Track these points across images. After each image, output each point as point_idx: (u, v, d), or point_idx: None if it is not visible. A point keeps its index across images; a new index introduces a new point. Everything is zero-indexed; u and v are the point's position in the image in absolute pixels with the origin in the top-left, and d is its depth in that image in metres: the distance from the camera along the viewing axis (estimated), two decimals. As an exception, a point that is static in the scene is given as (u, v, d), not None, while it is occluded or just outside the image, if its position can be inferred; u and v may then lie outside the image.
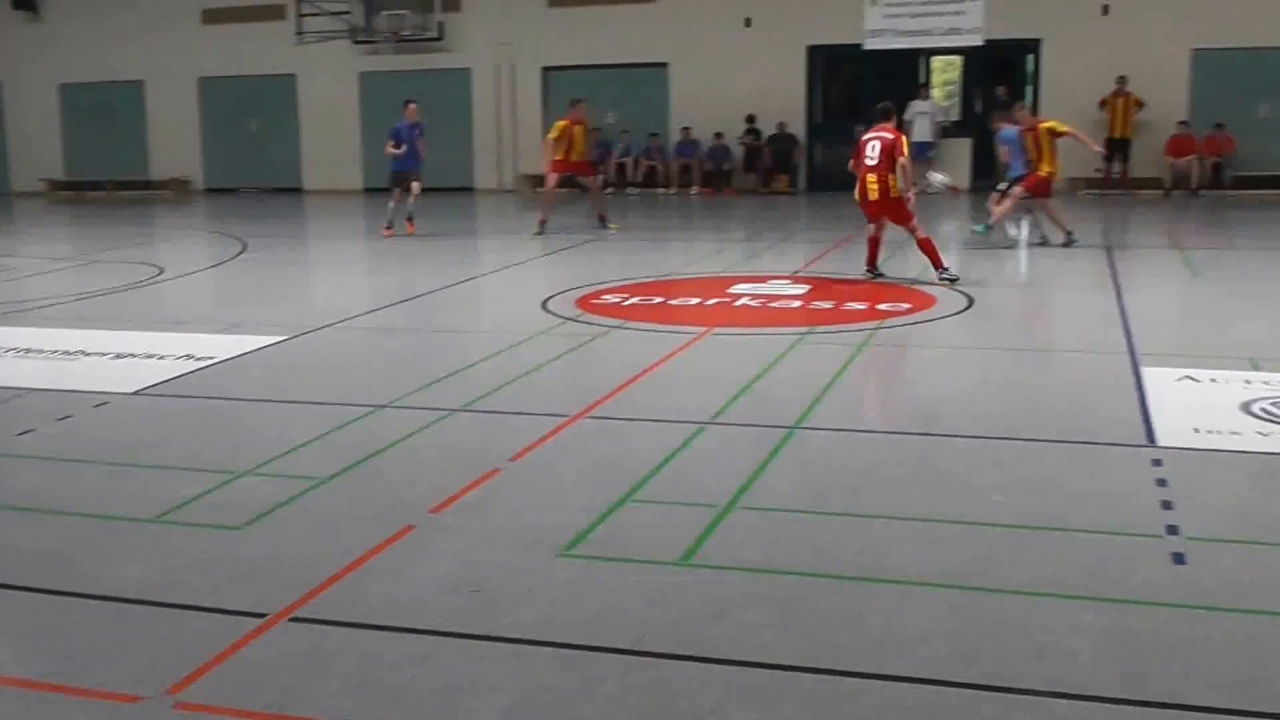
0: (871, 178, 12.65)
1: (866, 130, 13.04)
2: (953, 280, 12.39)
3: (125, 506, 6.08)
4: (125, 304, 12.88)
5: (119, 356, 9.61)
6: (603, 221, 18.85)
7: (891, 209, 12.75)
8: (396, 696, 4.05)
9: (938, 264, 12.68)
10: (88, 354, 9.74)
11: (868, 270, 13.15)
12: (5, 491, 6.45)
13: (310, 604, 4.78)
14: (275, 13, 27.98)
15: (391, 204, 18.25)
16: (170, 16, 28.79)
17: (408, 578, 5.03)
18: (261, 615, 4.67)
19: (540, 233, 18.13)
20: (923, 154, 24.51)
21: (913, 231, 12.78)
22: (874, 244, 13.12)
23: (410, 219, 18.20)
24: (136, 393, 8.48)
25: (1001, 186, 15.83)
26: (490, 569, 5.10)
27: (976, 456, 6.81)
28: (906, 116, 24.68)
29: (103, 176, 29.77)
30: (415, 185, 18.15)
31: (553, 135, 18.27)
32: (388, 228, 18.08)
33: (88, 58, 29.46)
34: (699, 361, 9.42)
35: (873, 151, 12.66)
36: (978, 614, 4.62)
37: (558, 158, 18.22)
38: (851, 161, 13.08)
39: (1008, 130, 15.80)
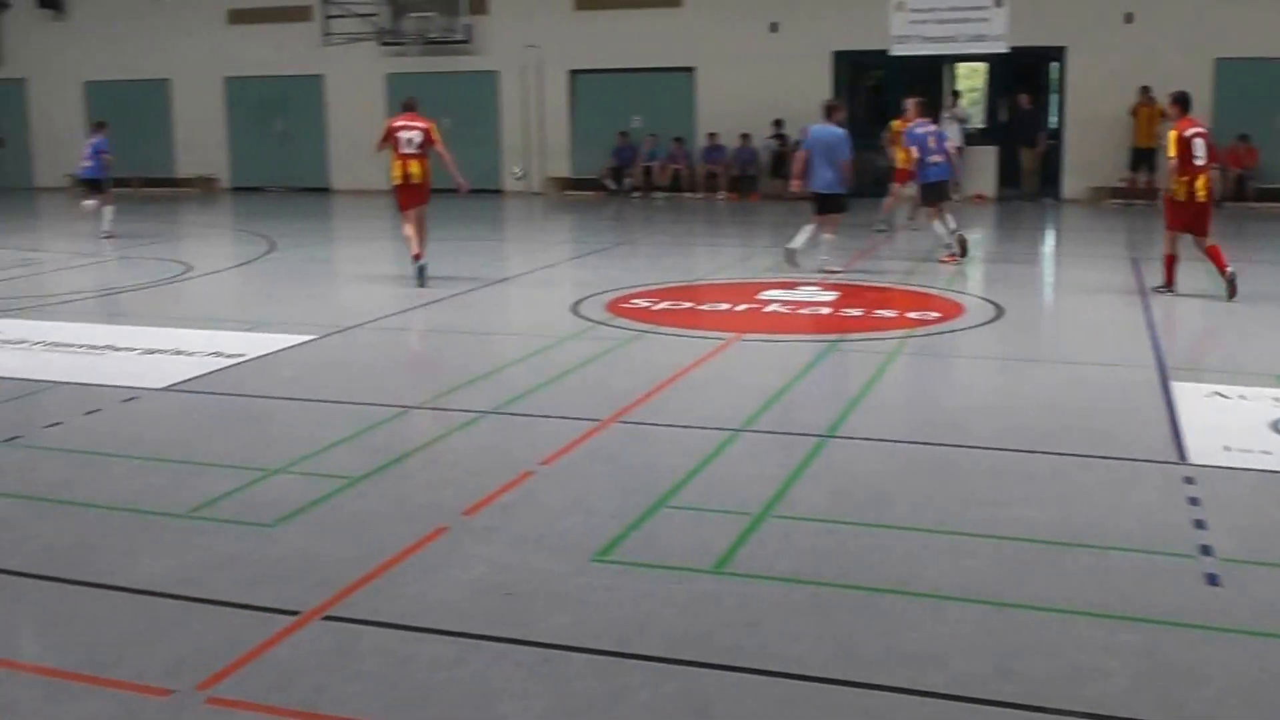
0: (1200, 180, 11.64)
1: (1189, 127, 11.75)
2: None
3: (154, 501, 6.09)
4: (153, 300, 12.92)
5: (147, 352, 9.64)
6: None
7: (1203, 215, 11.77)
8: (428, 699, 4.05)
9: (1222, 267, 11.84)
10: (116, 349, 9.78)
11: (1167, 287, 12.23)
12: (33, 483, 6.48)
13: (342, 603, 4.79)
14: (301, 14, 27.97)
15: (825, 237, 14.08)
16: (196, 17, 28.84)
17: (441, 579, 5.03)
18: (294, 613, 4.68)
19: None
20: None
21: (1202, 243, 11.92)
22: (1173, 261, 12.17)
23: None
24: (166, 388, 8.50)
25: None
26: (523, 573, 5.10)
27: (1004, 469, 6.79)
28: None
29: (128, 174, 29.78)
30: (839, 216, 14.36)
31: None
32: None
33: (113, 56, 29.48)
34: (729, 368, 9.40)
35: (1201, 150, 11.65)
36: (1007, 629, 4.61)
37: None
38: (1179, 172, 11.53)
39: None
